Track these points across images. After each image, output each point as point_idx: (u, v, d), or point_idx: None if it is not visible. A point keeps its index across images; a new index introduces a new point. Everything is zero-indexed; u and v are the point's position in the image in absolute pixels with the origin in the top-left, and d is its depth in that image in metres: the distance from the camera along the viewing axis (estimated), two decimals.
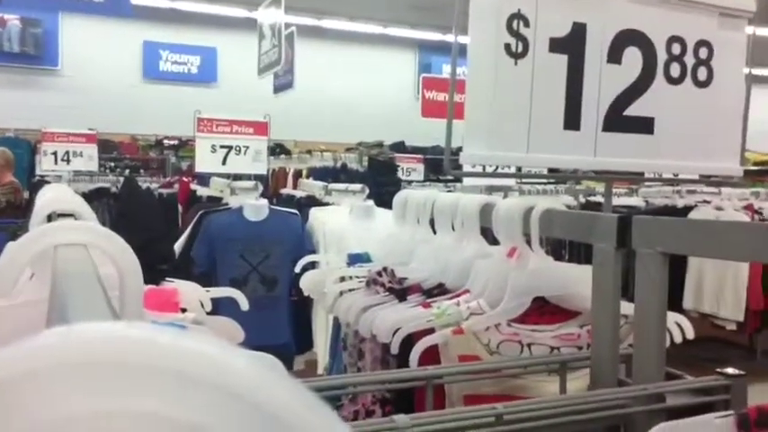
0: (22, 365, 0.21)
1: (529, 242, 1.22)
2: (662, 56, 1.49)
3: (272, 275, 3.57)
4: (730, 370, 1.00)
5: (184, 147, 10.88)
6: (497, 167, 1.73)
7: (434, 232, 1.53)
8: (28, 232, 0.70)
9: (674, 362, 1.03)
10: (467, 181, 5.30)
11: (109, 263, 0.64)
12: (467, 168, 1.44)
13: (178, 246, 3.84)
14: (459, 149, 1.38)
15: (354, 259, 1.67)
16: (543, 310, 1.23)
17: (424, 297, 1.36)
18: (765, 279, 4.90)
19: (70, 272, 0.57)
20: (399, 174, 8.13)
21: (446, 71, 12.42)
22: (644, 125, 1.51)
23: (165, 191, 6.05)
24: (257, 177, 4.91)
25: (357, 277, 1.52)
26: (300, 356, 3.75)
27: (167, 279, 1.21)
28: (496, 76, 1.35)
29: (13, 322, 0.73)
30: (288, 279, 3.51)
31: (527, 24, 1.35)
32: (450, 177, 6.86)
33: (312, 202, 4.50)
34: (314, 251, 3.44)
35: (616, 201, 4.77)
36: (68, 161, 6.64)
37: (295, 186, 6.74)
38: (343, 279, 1.55)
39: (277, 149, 9.92)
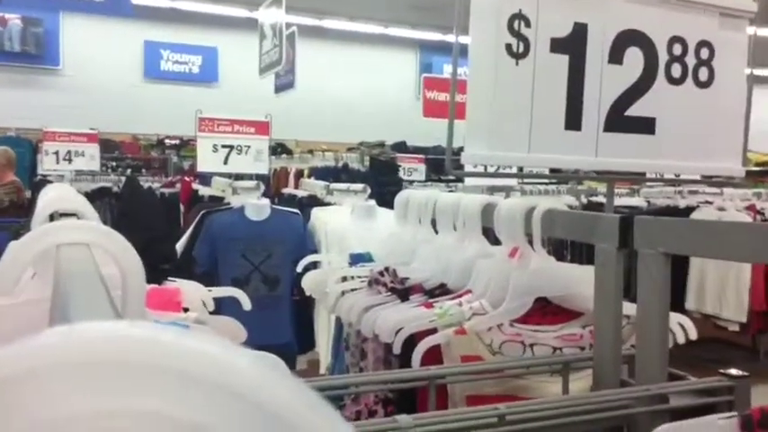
0: (24, 364, 0.21)
1: (530, 242, 1.22)
2: (663, 56, 1.49)
3: (274, 275, 3.57)
4: (734, 371, 1.00)
5: (186, 146, 10.89)
6: (499, 167, 1.73)
7: (436, 232, 1.53)
8: (30, 231, 0.70)
9: (676, 362, 1.03)
10: (468, 181, 5.29)
11: (111, 262, 0.64)
12: (468, 168, 1.44)
13: (180, 245, 3.84)
14: (461, 149, 1.38)
15: (356, 259, 1.67)
16: (545, 311, 1.23)
17: (427, 297, 1.36)
18: None
19: (73, 271, 0.57)
20: (401, 174, 8.13)
21: (447, 71, 12.43)
22: (645, 125, 1.51)
23: (166, 190, 6.05)
24: (259, 177, 4.91)
25: (359, 277, 1.52)
26: (303, 356, 3.75)
27: (169, 279, 1.21)
28: (497, 77, 1.35)
29: (15, 321, 0.73)
30: (290, 278, 3.51)
31: (528, 24, 1.35)
32: (451, 177, 6.86)
33: (314, 201, 4.50)
34: (316, 251, 3.44)
35: (618, 201, 4.76)
36: (70, 161, 6.65)
37: (296, 186, 6.74)
38: (344, 279, 1.55)
39: (278, 149, 9.93)
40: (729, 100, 1.60)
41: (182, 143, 11.20)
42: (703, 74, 1.54)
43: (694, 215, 4.90)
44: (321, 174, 6.93)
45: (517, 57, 1.36)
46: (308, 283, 1.67)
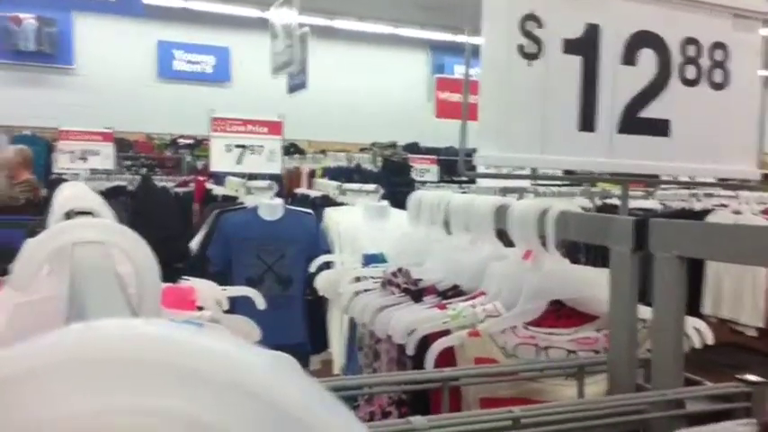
0: (40, 361, 0.21)
1: (544, 244, 1.21)
2: (677, 58, 1.48)
3: (287, 275, 3.58)
4: (751, 377, 0.98)
5: (199, 146, 10.95)
6: (512, 169, 1.72)
7: (449, 233, 1.53)
8: (46, 229, 0.71)
9: (691, 367, 1.02)
10: (481, 182, 5.28)
11: (127, 260, 0.65)
12: (481, 169, 1.43)
13: (194, 244, 3.86)
14: (474, 150, 1.38)
15: (369, 260, 1.67)
16: (560, 314, 1.22)
17: (440, 298, 1.35)
18: None
19: (88, 269, 0.57)
20: (413, 174, 8.11)
21: (458, 72, 12.43)
22: (660, 127, 1.49)
23: (180, 190, 6.08)
24: (272, 177, 4.92)
25: (372, 278, 1.52)
26: (316, 356, 3.75)
27: (183, 277, 1.21)
28: (510, 78, 1.34)
29: (31, 317, 0.73)
30: (302, 278, 3.51)
31: (540, 25, 1.35)
32: (464, 178, 6.85)
33: (327, 201, 4.50)
34: (329, 251, 3.44)
35: (632, 203, 4.73)
36: (85, 159, 6.69)
37: (309, 186, 6.75)
38: (358, 279, 1.55)
39: (291, 149, 9.95)
40: (744, 102, 1.58)
41: (195, 143, 11.26)
42: (718, 75, 1.53)
43: (709, 218, 4.86)
44: (334, 174, 6.93)
45: (529, 58, 1.35)
46: (322, 283, 1.67)
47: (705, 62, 1.51)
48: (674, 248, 0.99)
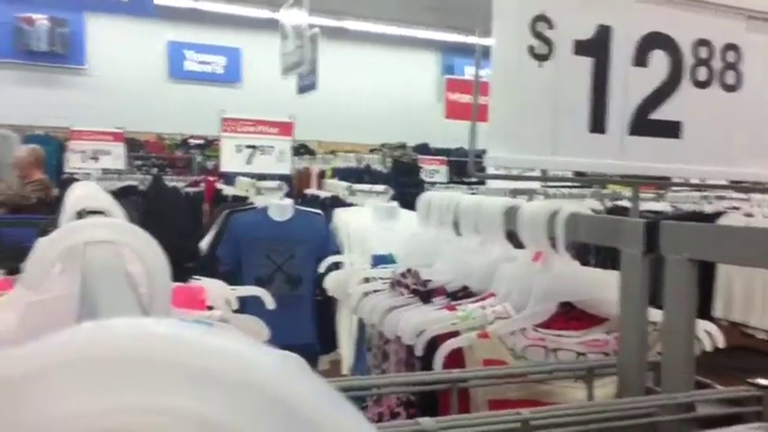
0: (51, 359, 0.21)
1: (554, 246, 1.21)
2: (689, 59, 1.47)
3: (297, 275, 3.58)
4: (762, 381, 0.98)
5: (210, 146, 10.98)
6: (522, 170, 1.72)
7: (458, 234, 1.53)
8: (58, 228, 0.71)
9: (701, 370, 1.02)
10: (491, 183, 5.27)
11: (137, 260, 0.65)
12: (491, 171, 1.43)
13: (204, 244, 3.87)
14: (484, 151, 1.38)
15: (379, 260, 1.67)
16: (569, 316, 1.22)
17: (449, 300, 1.35)
18: None
19: (99, 268, 0.57)
20: (422, 175, 8.11)
21: (468, 73, 12.42)
22: (671, 129, 1.49)
23: (191, 190, 6.10)
24: (282, 177, 4.93)
25: (381, 278, 1.52)
26: (325, 356, 3.75)
27: (194, 277, 1.22)
28: (520, 79, 1.34)
29: (42, 316, 0.74)
30: (312, 279, 3.52)
31: (551, 26, 1.34)
32: (473, 179, 6.83)
33: (336, 202, 4.51)
34: (338, 251, 3.44)
35: (643, 206, 4.70)
36: (96, 159, 6.73)
37: (319, 187, 6.76)
38: (367, 280, 1.55)
39: (301, 150, 9.97)
40: (757, 104, 1.57)
41: (206, 143, 11.30)
42: (730, 77, 1.52)
43: (721, 221, 4.83)
44: (343, 174, 6.95)
45: (540, 59, 1.35)
46: (331, 283, 1.67)
47: (717, 64, 1.50)
48: (685, 251, 0.99)
